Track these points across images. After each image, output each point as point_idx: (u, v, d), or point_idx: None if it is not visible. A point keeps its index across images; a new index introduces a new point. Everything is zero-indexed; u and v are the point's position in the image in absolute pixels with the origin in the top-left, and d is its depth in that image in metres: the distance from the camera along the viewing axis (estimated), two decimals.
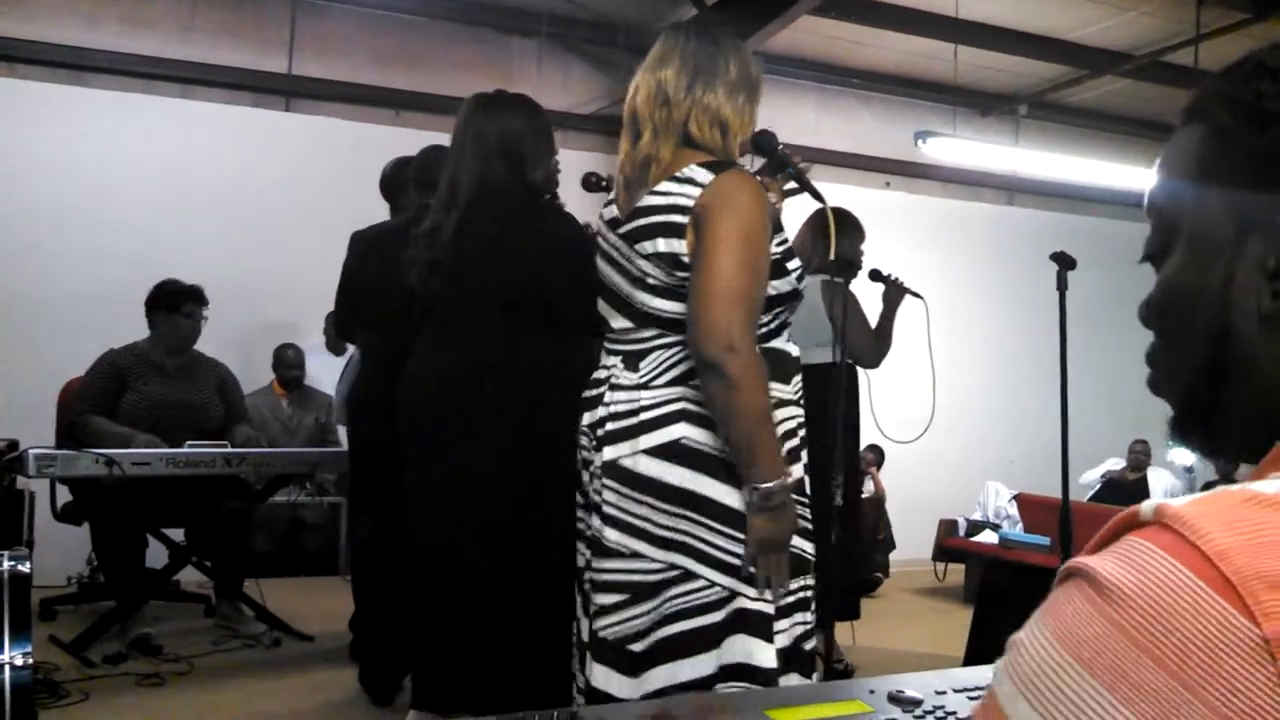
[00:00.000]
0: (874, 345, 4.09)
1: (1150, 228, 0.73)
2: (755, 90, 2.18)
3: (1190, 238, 0.69)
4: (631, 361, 2.14)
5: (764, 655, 2.04)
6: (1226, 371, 0.67)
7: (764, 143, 2.34)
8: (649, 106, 2.13)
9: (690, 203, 2.04)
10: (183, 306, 4.50)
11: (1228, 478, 0.68)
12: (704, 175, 2.05)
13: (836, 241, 2.60)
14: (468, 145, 2.68)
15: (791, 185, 2.45)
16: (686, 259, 2.04)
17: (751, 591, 2.05)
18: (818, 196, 2.43)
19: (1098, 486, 6.97)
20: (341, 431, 5.56)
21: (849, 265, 3.97)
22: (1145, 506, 0.52)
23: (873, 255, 4.23)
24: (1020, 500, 6.11)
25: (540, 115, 2.82)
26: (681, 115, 2.10)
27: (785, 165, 2.40)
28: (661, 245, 2.07)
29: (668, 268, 2.07)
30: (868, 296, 4.05)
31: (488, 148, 2.67)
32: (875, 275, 4.12)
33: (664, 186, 2.08)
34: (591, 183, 3.27)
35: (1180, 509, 0.50)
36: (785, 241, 2.20)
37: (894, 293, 4.16)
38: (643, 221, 2.10)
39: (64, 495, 4.55)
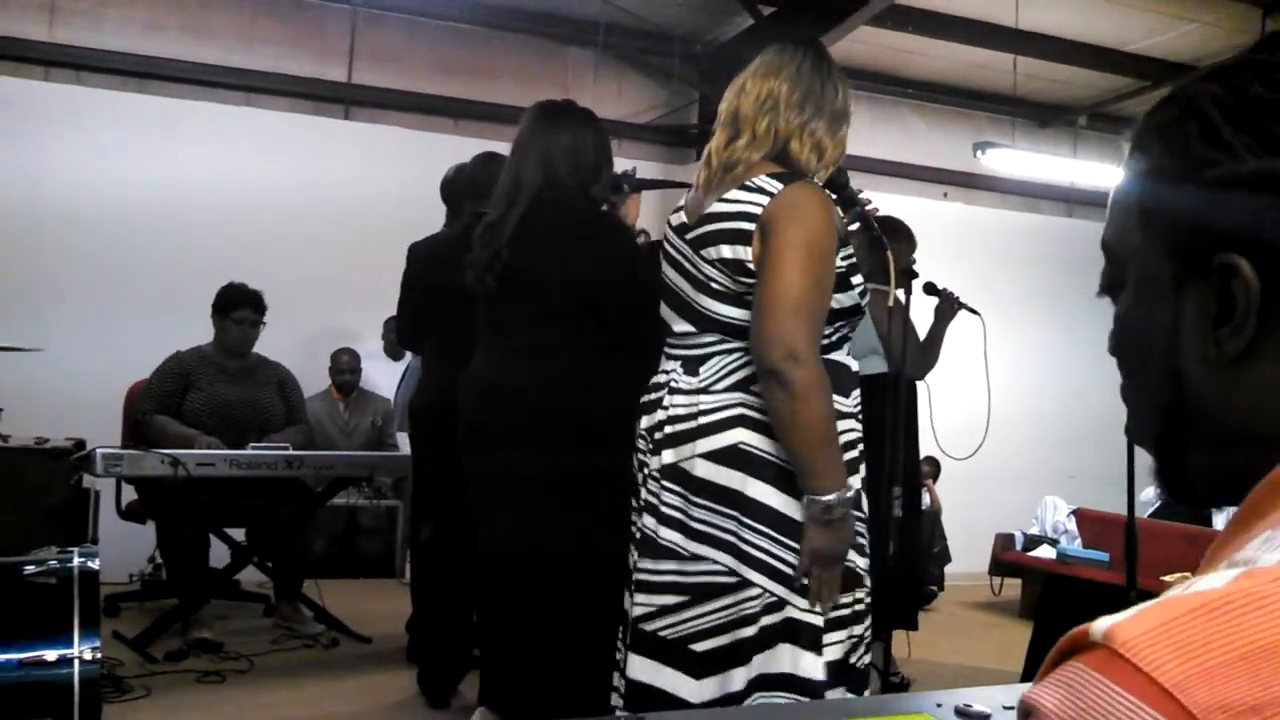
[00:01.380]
0: (919, 357, 4.06)
1: (1104, 259, 0.72)
2: (847, 122, 2.22)
3: (1136, 278, 0.68)
4: (691, 366, 2.15)
5: (811, 667, 2.03)
6: (1183, 418, 0.66)
7: (836, 180, 2.35)
8: (755, 111, 2.15)
9: (758, 210, 2.05)
10: (234, 312, 4.59)
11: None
12: (773, 185, 2.07)
13: (899, 252, 2.61)
14: (533, 148, 2.72)
15: (855, 225, 2.47)
16: (751, 265, 2.06)
17: (802, 602, 2.05)
18: (878, 240, 2.45)
19: (1157, 504, 6.85)
20: (400, 436, 5.64)
21: (905, 276, 3.95)
22: (1095, 627, 0.49)
23: (930, 266, 4.20)
24: (1079, 515, 6.00)
25: (603, 131, 2.90)
26: (788, 131, 2.13)
27: (854, 205, 2.42)
28: (727, 252, 2.08)
29: (732, 274, 2.09)
30: (918, 308, 4.02)
31: (555, 153, 2.72)
32: (930, 289, 4.09)
33: (733, 194, 2.10)
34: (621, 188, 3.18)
35: (1130, 634, 0.47)
36: (850, 256, 2.20)
37: (947, 307, 4.12)
38: (710, 228, 2.12)
39: (128, 494, 4.65)
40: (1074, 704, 0.48)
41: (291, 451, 4.31)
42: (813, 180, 2.14)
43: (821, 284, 2.05)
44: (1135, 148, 0.69)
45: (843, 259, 2.15)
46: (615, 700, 2.21)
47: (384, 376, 6.21)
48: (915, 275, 4.03)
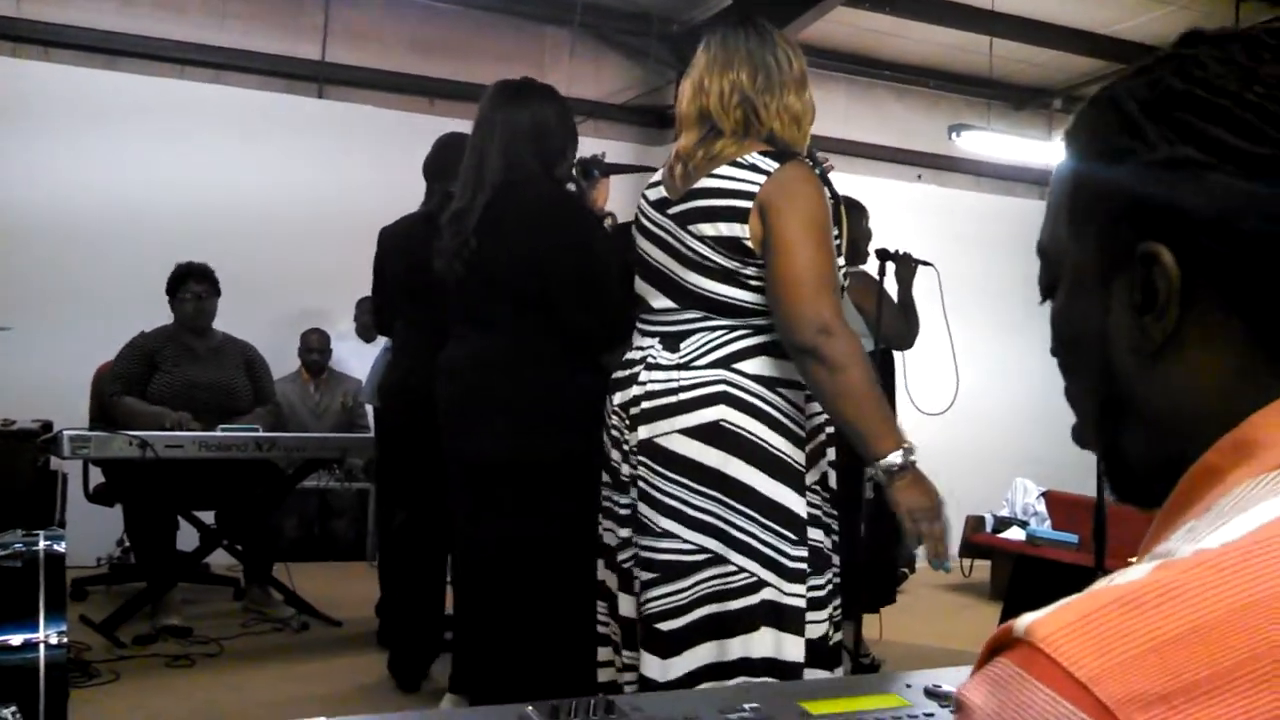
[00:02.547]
0: (904, 326, 4.07)
1: (1040, 263, 0.74)
2: (807, 82, 2.22)
3: (1069, 278, 0.70)
4: (671, 342, 2.14)
5: (792, 649, 2.04)
6: (1116, 408, 0.68)
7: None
8: (725, 107, 2.14)
9: (754, 189, 2.05)
10: (180, 290, 4.56)
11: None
12: (768, 164, 2.07)
13: (850, 224, 2.62)
14: (497, 130, 2.68)
15: None
16: (749, 243, 2.05)
17: (784, 584, 2.04)
18: (834, 194, 2.43)
19: None
20: (370, 413, 5.60)
21: (869, 250, 3.99)
22: (1019, 624, 0.50)
23: (903, 248, 4.20)
24: (1049, 498, 6.06)
25: (567, 107, 2.85)
26: (768, 118, 2.13)
27: (815, 166, 2.39)
28: (723, 229, 2.07)
29: (726, 251, 2.08)
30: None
31: (518, 134, 2.68)
32: (883, 254, 4.08)
33: (725, 170, 2.09)
34: (590, 173, 3.08)
35: (1049, 630, 0.49)
36: (839, 235, 2.20)
37: (905, 268, 4.13)
38: (700, 204, 2.11)
39: (96, 476, 4.60)
40: (998, 699, 0.50)
41: (262, 433, 4.27)
42: (802, 158, 2.14)
43: (833, 258, 2.08)
44: (1066, 147, 0.71)
45: (833, 237, 2.15)
46: (631, 679, 2.19)
47: (355, 357, 6.17)
48: (889, 254, 4.04)
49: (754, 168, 2.07)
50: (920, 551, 2.02)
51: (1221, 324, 0.61)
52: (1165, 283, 0.61)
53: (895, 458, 1.99)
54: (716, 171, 2.09)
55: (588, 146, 3.05)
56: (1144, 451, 0.67)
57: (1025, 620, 0.50)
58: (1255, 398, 0.59)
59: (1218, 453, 0.59)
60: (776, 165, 2.06)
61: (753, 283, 2.08)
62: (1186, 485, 0.60)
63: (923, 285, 4.14)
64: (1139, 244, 0.62)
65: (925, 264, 4.11)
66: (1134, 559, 0.56)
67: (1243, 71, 0.60)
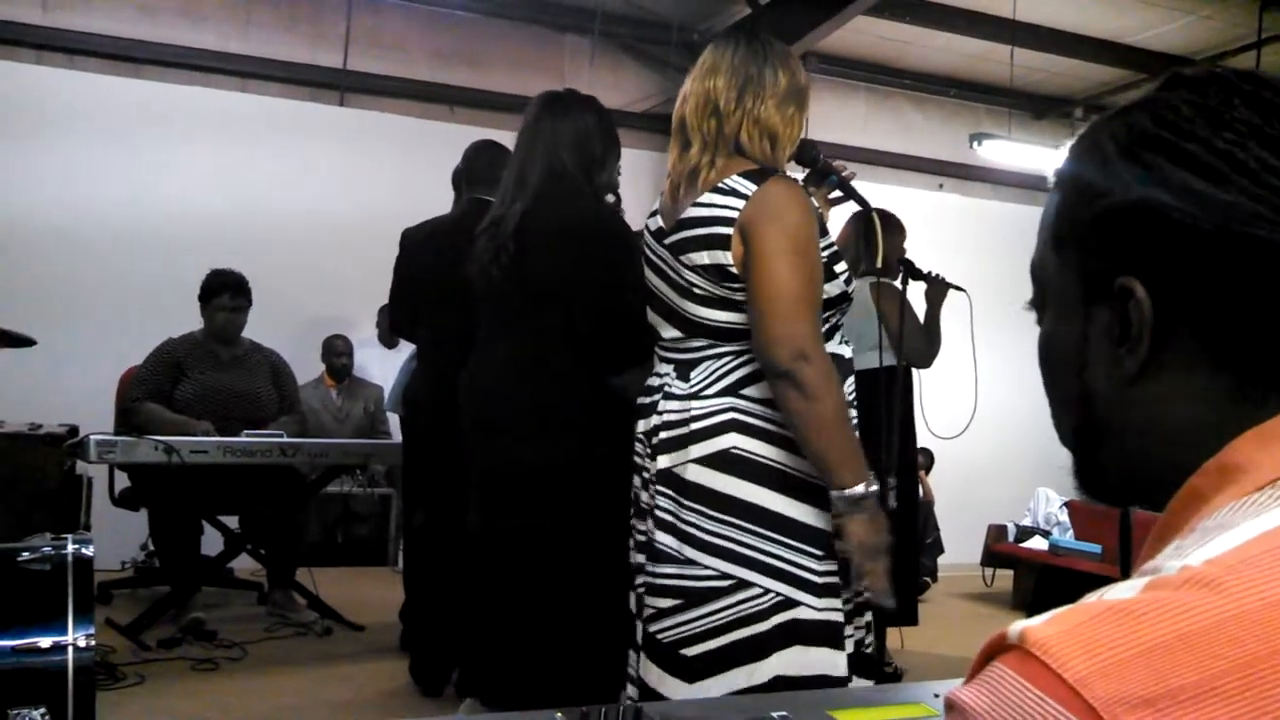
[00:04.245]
0: (925, 346, 4.05)
1: (1031, 283, 0.77)
2: (804, 100, 2.18)
3: (1053, 302, 0.73)
4: (683, 371, 2.14)
5: (835, 663, 2.03)
6: (1097, 432, 0.71)
7: (805, 154, 2.32)
8: (697, 117, 2.13)
9: (734, 214, 2.03)
10: (214, 299, 4.58)
11: None
12: (746, 186, 2.04)
13: (889, 243, 2.58)
14: (539, 139, 2.70)
15: (837, 194, 2.43)
16: (734, 269, 2.03)
17: (815, 600, 2.03)
18: (862, 203, 2.41)
19: None
20: (392, 420, 5.63)
21: (900, 267, 3.95)
22: (1012, 630, 0.53)
23: (924, 257, 4.19)
24: (1071, 508, 6.03)
25: (608, 117, 2.85)
26: (732, 127, 2.10)
27: (828, 175, 2.38)
28: (706, 258, 2.06)
29: (714, 279, 2.07)
30: (912, 296, 4.01)
31: (560, 144, 2.69)
32: (915, 273, 4.06)
33: (707, 198, 2.07)
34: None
35: (1042, 635, 0.51)
36: (832, 245, 2.18)
37: (935, 289, 4.11)
38: (688, 234, 2.10)
39: (121, 481, 4.63)
40: (990, 699, 0.52)
41: (286, 439, 4.30)
42: (784, 173, 2.12)
43: (813, 278, 2.03)
44: (1055, 183, 0.75)
45: (824, 248, 2.12)
46: (630, 695, 2.20)
47: (377, 364, 6.21)
48: (914, 267, 4.02)
49: (733, 192, 2.04)
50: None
51: (1195, 354, 0.64)
52: (1139, 316, 0.64)
53: (858, 489, 1.98)
54: (701, 199, 2.08)
55: None
56: (1119, 469, 0.70)
57: (1018, 626, 0.53)
58: (1228, 423, 0.62)
59: (1203, 476, 0.62)
60: (755, 187, 2.03)
61: (746, 307, 2.07)
62: (1175, 507, 0.63)
63: (951, 305, 4.13)
64: (1115, 278, 0.65)
65: (958, 289, 4.08)
66: None
67: (1213, 116, 0.63)
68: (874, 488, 2.01)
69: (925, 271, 4.06)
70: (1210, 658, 0.48)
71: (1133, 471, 0.69)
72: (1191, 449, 0.62)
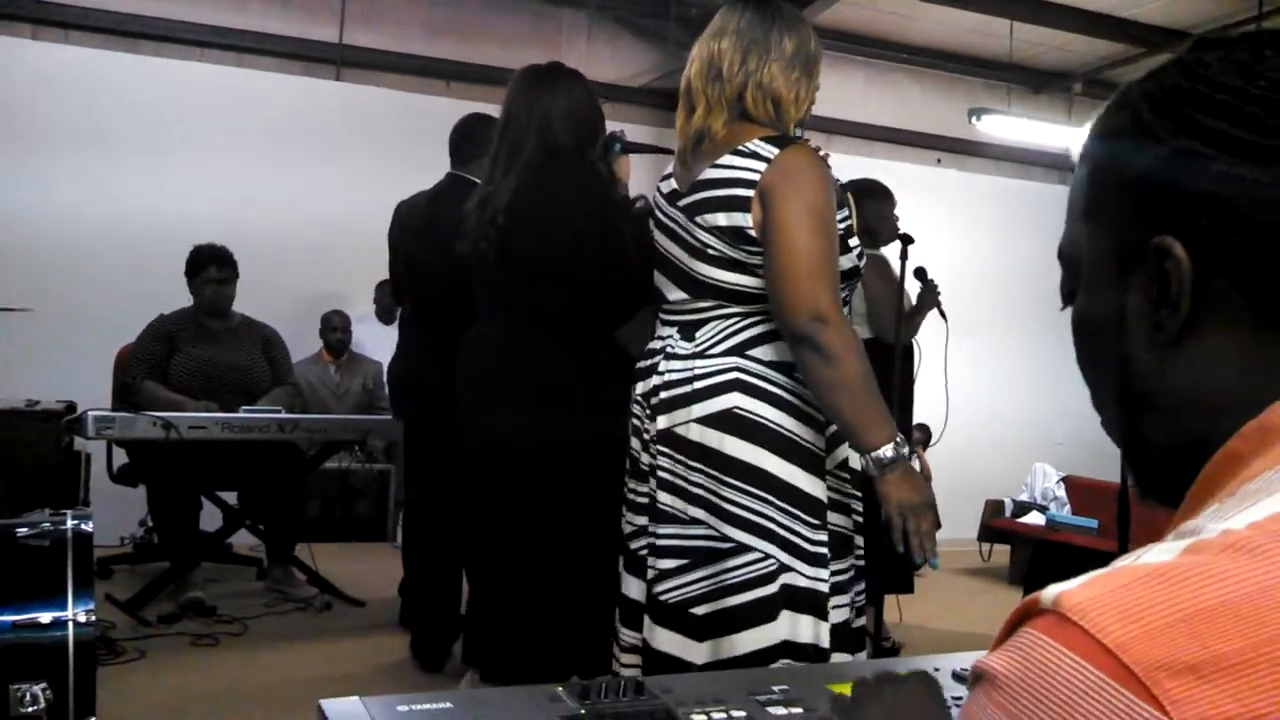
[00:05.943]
0: (896, 326, 4.05)
1: (1061, 268, 0.76)
2: (812, 66, 2.16)
3: (1088, 277, 0.72)
4: (687, 331, 2.15)
5: (819, 633, 2.04)
6: (1136, 401, 0.69)
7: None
8: (701, 80, 2.13)
9: (755, 177, 2.03)
10: (201, 273, 4.58)
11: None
12: (769, 149, 2.04)
13: (861, 209, 2.60)
14: (528, 113, 2.69)
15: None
16: (752, 232, 2.04)
17: (806, 569, 2.05)
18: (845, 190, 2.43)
19: None
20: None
21: (898, 239, 3.96)
22: (1046, 595, 0.52)
23: (923, 232, 4.18)
24: (1068, 482, 6.05)
25: (592, 90, 2.86)
26: (734, 90, 2.10)
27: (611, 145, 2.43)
28: (723, 219, 2.07)
29: (731, 240, 2.07)
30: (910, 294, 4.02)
31: (552, 117, 2.68)
32: (920, 274, 4.07)
33: (727, 160, 2.08)
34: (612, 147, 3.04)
35: (1078, 599, 0.50)
36: (848, 218, 2.18)
37: (929, 298, 4.12)
38: (705, 195, 2.10)
39: (119, 457, 4.64)
40: (1023, 665, 0.50)
41: (284, 414, 4.30)
42: (805, 141, 2.12)
43: (832, 245, 2.04)
44: (1084, 147, 0.73)
45: (840, 220, 2.13)
46: (631, 661, 2.20)
47: (374, 340, 6.20)
48: (910, 239, 4.01)
49: (755, 155, 2.05)
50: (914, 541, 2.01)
51: (1236, 311, 0.63)
52: (1178, 275, 0.63)
53: (887, 450, 1.98)
54: (719, 161, 2.08)
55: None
56: (1166, 440, 0.68)
57: (1053, 591, 0.52)
58: (1273, 381, 0.61)
59: (1242, 439, 0.60)
60: (777, 151, 2.04)
61: (761, 270, 2.07)
62: (1212, 470, 0.62)
63: (949, 290, 4.14)
64: (1152, 239, 0.64)
65: (942, 314, 4.10)
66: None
67: (1245, 68, 0.63)
68: (905, 449, 2.00)
69: (929, 279, 4.06)
70: (1255, 624, 0.47)
71: (1177, 442, 0.67)
72: (1233, 412, 0.62)
